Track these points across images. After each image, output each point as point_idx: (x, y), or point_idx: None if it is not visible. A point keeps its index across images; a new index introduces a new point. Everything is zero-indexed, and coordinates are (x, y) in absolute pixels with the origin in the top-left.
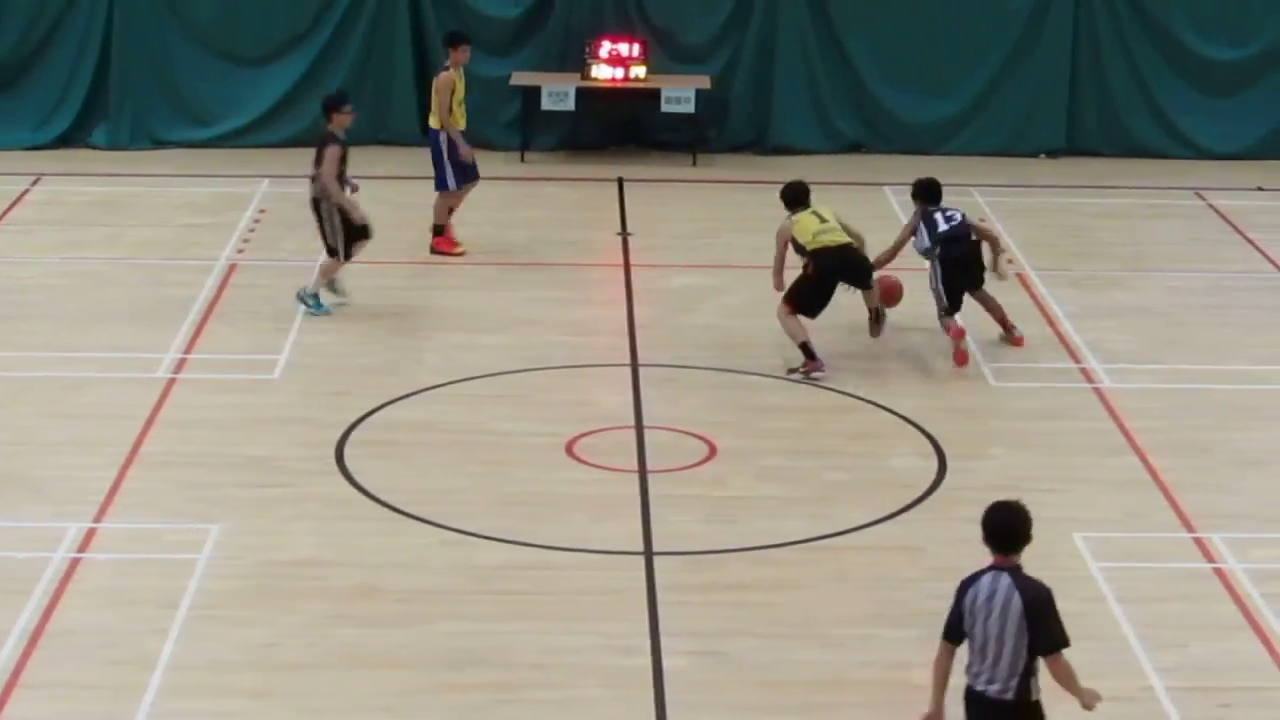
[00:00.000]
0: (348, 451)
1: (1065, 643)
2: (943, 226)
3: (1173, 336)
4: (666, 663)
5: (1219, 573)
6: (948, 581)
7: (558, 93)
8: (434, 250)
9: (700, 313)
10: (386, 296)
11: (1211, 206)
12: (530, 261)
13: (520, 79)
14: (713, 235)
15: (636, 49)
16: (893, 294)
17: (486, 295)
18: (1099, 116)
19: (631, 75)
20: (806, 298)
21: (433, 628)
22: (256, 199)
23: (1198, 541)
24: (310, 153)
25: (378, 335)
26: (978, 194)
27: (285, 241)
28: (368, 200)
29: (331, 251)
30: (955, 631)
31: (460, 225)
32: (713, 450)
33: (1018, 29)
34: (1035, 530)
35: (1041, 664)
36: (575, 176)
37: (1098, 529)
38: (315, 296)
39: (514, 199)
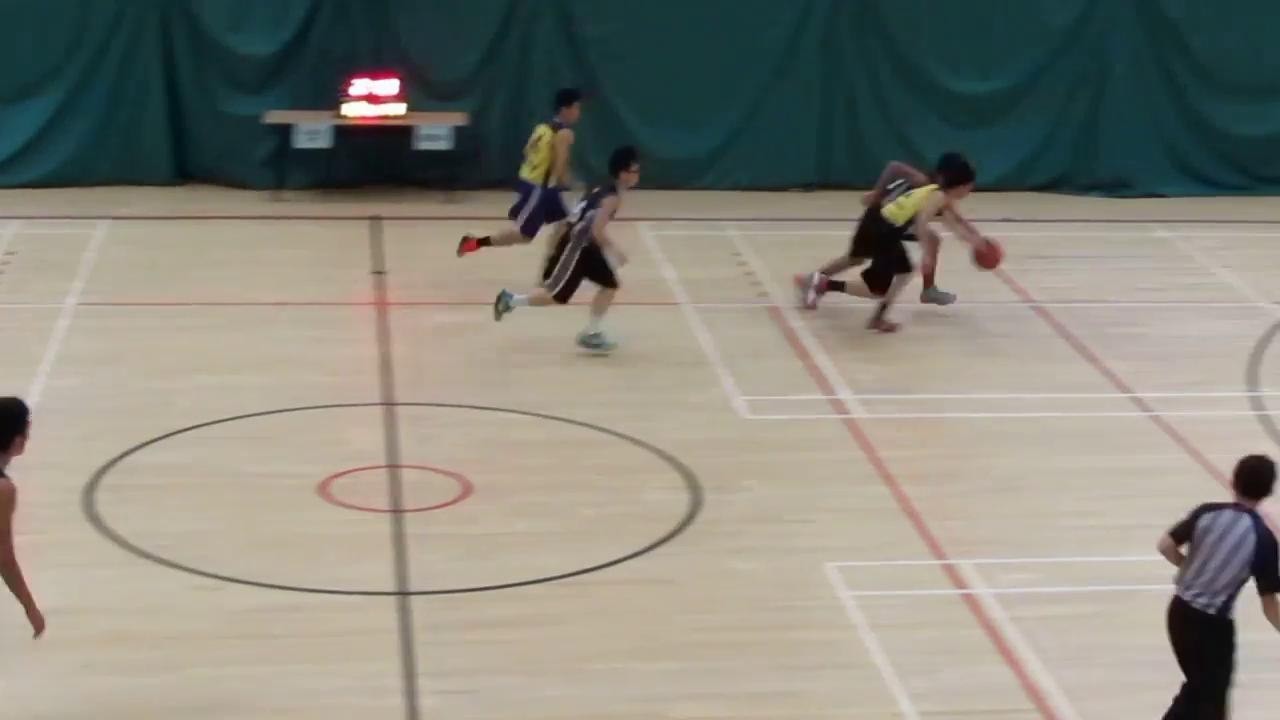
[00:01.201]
0: (96, 497)
1: None
2: None
3: (922, 367)
4: (421, 703)
5: (968, 598)
6: (703, 614)
7: (312, 130)
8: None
9: (456, 350)
10: (137, 338)
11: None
12: (283, 301)
13: (274, 117)
14: (469, 272)
15: (392, 86)
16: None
17: (238, 336)
18: (850, 150)
19: (387, 112)
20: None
21: (184, 673)
22: (5, 240)
23: (947, 568)
24: (56, 193)
25: (127, 377)
26: (731, 228)
27: (34, 284)
28: (114, 241)
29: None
30: (1181, 534)
31: (211, 266)
32: (467, 488)
33: (769, 64)
34: (787, 561)
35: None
36: (330, 215)
37: (849, 558)
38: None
39: (267, 238)
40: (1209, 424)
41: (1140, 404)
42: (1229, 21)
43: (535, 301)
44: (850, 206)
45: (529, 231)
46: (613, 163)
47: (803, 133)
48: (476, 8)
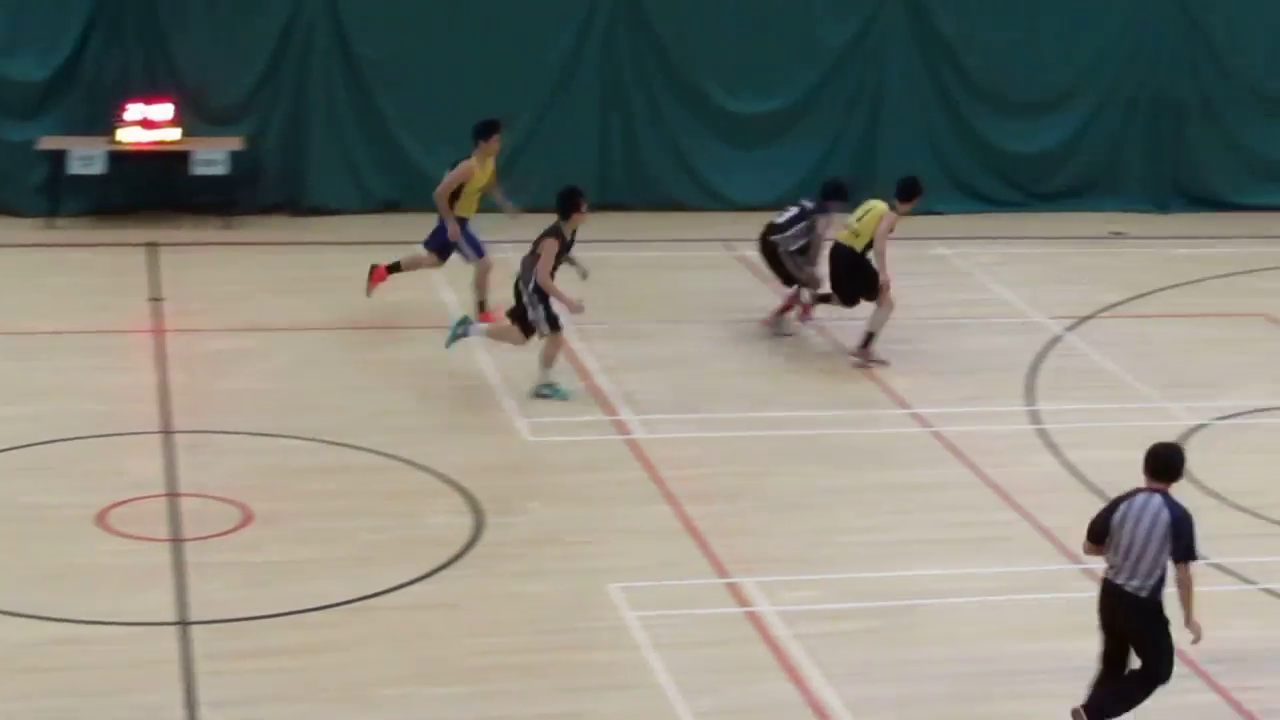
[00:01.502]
0: None
1: (1196, 557)
2: None
3: (704, 386)
4: None
5: (752, 616)
6: (488, 638)
7: (86, 156)
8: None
9: (236, 377)
10: None
11: (739, 257)
12: (59, 330)
13: (47, 143)
14: (248, 298)
15: (167, 111)
16: None
17: (12, 365)
18: (629, 170)
19: (162, 138)
20: None
21: None
22: None
23: (730, 586)
24: None
25: None
26: (511, 250)
27: None
28: None
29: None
30: (1097, 535)
31: None
32: (248, 515)
33: (547, 87)
34: (570, 582)
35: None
36: (106, 242)
37: (633, 578)
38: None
39: (41, 266)
40: (988, 438)
41: (920, 419)
42: (1002, 40)
43: (494, 335)
44: (631, 227)
45: (440, 253)
46: (561, 205)
47: (582, 154)
48: (251, 31)
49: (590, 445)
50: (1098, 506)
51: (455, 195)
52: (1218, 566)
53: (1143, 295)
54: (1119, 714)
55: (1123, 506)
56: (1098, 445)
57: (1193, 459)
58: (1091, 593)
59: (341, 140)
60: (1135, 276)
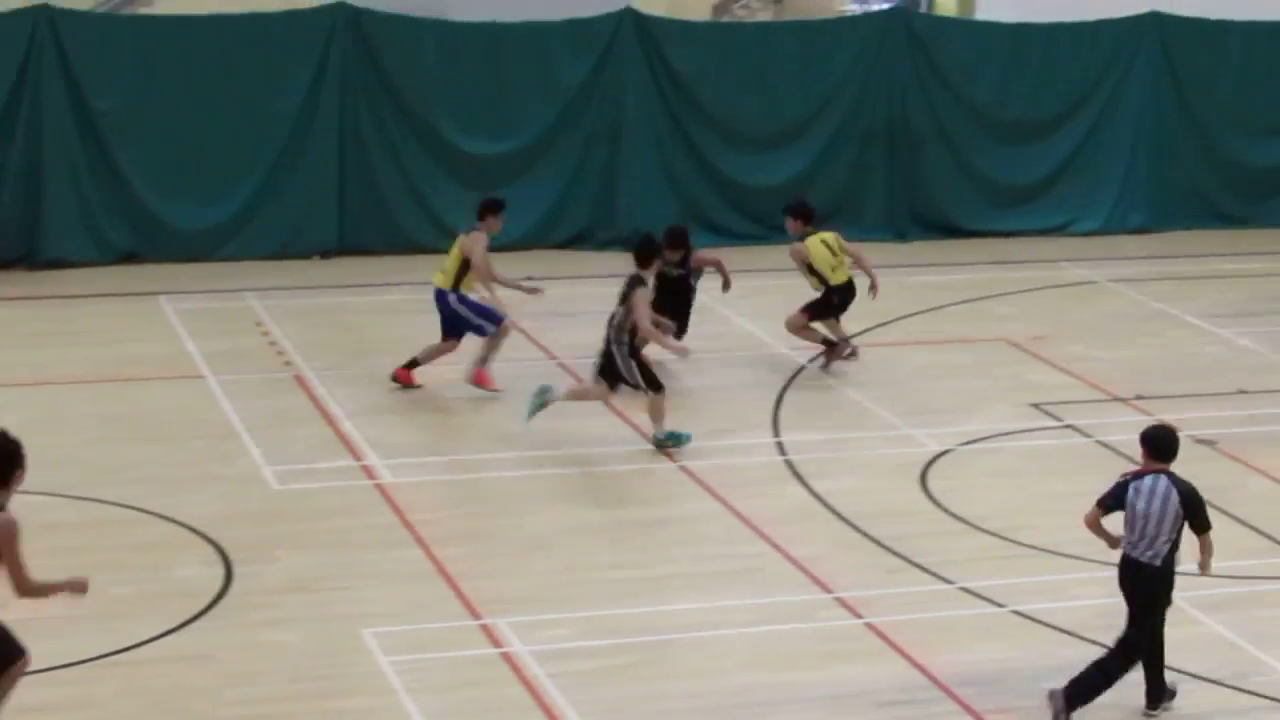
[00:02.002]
0: None
1: (1211, 525)
2: None
3: (452, 427)
4: None
5: (506, 657)
6: (243, 688)
7: None
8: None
9: None
10: None
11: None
12: None
13: None
14: None
15: None
16: None
17: None
18: (370, 215)
19: None
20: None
21: None
22: None
23: (484, 628)
24: None
25: None
26: (253, 298)
27: None
28: None
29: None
30: (1109, 505)
31: None
32: None
33: (284, 132)
34: (324, 629)
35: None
36: None
37: (386, 623)
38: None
39: None
40: (735, 471)
41: (668, 454)
42: (736, 74)
43: (576, 396)
44: (372, 271)
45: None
46: (640, 252)
47: (322, 200)
48: None
49: (338, 491)
50: (847, 535)
51: (466, 268)
52: (966, 590)
53: (884, 324)
54: (1099, 690)
55: (1132, 485)
56: (844, 474)
57: (938, 485)
58: (844, 622)
59: (77, 191)
60: (877, 305)
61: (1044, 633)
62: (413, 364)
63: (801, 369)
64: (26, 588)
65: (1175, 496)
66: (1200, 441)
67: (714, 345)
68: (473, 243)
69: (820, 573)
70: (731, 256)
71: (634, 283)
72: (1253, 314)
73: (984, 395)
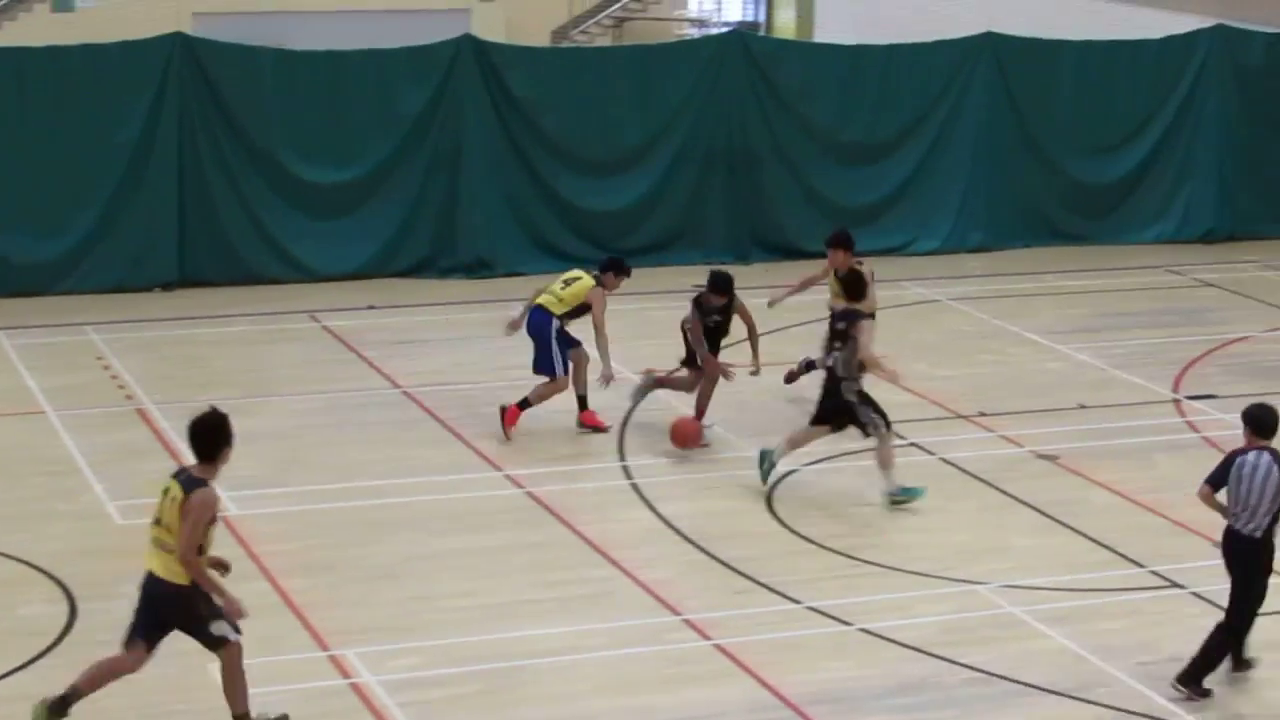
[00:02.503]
0: None
1: None
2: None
3: (297, 458)
4: None
5: (356, 687)
6: None
7: None
8: (583, 423)
9: None
10: None
11: (325, 328)
12: None
13: None
14: None
15: None
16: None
17: None
18: (211, 246)
19: None
20: None
21: None
22: None
23: (333, 659)
24: None
25: None
26: (93, 332)
27: None
28: None
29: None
30: (1217, 481)
31: None
32: None
33: (122, 164)
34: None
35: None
36: None
37: None
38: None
39: None
40: (582, 496)
41: (514, 481)
42: (576, 101)
43: (796, 444)
44: (215, 303)
45: (558, 370)
46: (848, 288)
47: (162, 232)
48: None
49: None
50: (694, 557)
51: (580, 311)
52: (814, 609)
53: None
54: (1212, 666)
55: (1238, 460)
56: (690, 497)
57: (784, 505)
58: (693, 644)
59: None
60: None
61: (891, 650)
62: (524, 404)
63: (647, 393)
64: (189, 559)
65: (1276, 472)
66: (1042, 457)
67: None
68: (597, 298)
69: (668, 596)
70: None
71: (855, 316)
72: (1092, 330)
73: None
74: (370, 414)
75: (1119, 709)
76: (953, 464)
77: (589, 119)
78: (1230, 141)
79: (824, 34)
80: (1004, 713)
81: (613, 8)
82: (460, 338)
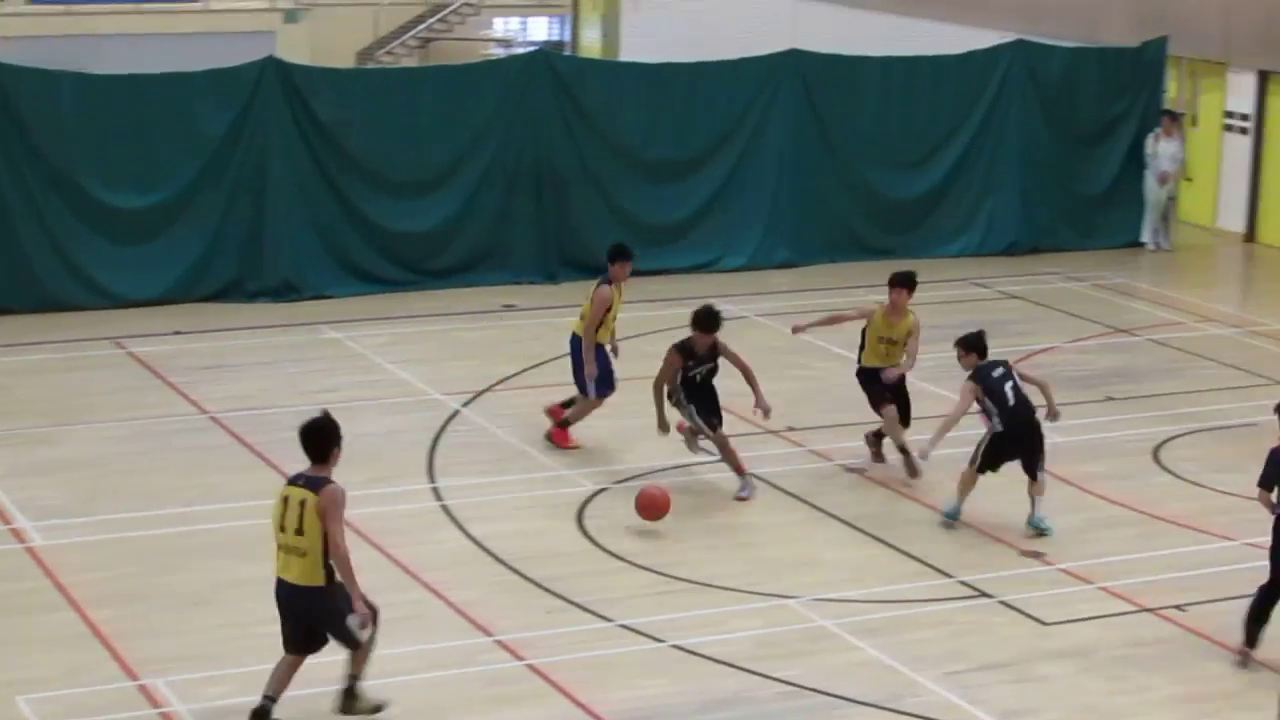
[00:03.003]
0: None
1: None
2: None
3: (104, 486)
4: None
5: (167, 717)
6: None
7: None
8: (550, 440)
9: None
10: None
11: (131, 354)
12: None
13: None
14: None
15: None
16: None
17: None
18: (11, 273)
19: None
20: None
21: None
22: None
23: (143, 688)
24: None
25: None
26: None
27: None
28: None
29: None
30: (1271, 480)
31: None
32: None
33: None
34: None
35: None
36: None
37: (41, 689)
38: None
39: None
40: (392, 518)
41: None
42: (382, 122)
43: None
44: (17, 330)
45: (582, 390)
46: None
47: None
48: None
49: None
50: (506, 578)
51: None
52: (626, 627)
53: (537, 365)
54: (1261, 620)
55: None
56: (501, 518)
57: (594, 523)
58: (506, 664)
59: None
60: (528, 348)
61: (704, 665)
62: (566, 422)
63: (456, 414)
64: (339, 553)
65: None
66: (850, 470)
67: (367, 393)
68: (598, 297)
69: (480, 617)
70: (382, 303)
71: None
72: None
73: (637, 433)
74: (177, 440)
75: (930, 719)
76: (762, 479)
77: (395, 140)
78: (1032, 155)
79: (629, 53)
80: None
81: (418, 28)
82: (268, 362)
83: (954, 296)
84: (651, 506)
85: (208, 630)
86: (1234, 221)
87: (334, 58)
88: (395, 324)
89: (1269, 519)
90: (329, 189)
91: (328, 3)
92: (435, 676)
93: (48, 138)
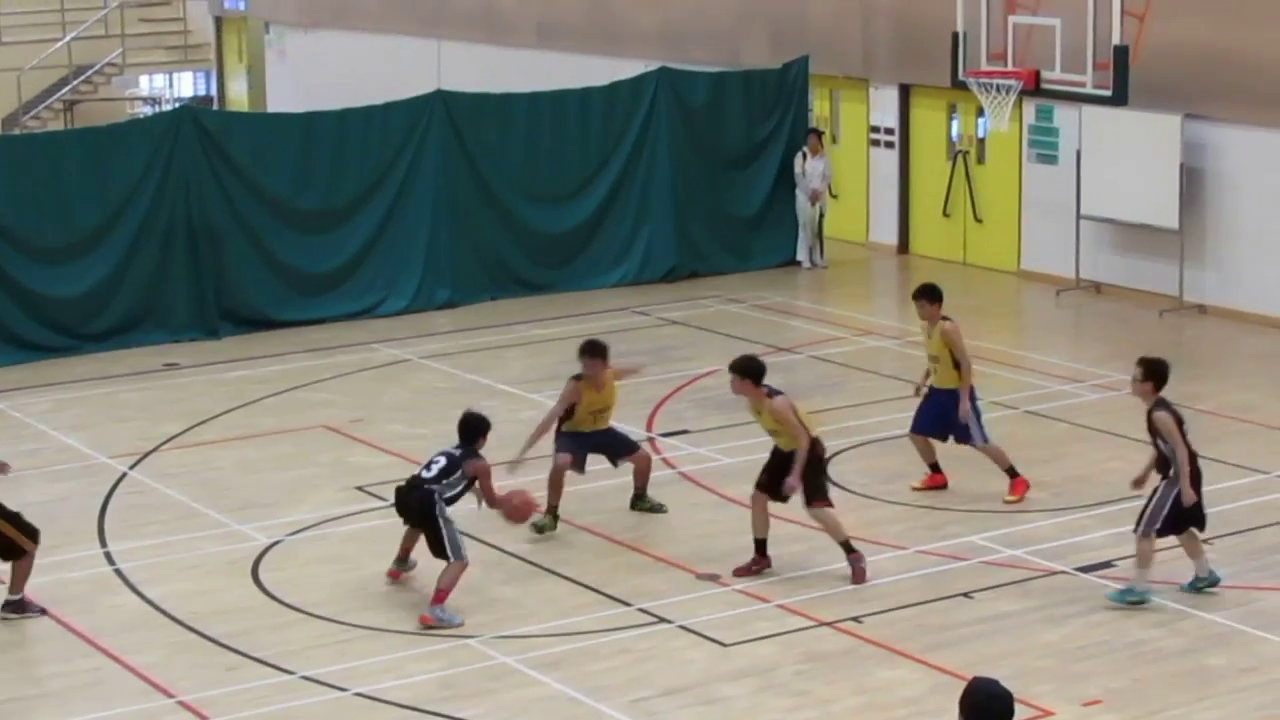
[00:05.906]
0: None
1: None
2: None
3: None
4: None
5: None
6: None
7: None
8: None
9: None
10: None
11: None
12: None
13: None
14: None
15: None
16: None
17: None
18: None
19: None
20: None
21: None
22: None
23: None
24: None
25: None
26: None
27: None
28: None
29: None
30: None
31: None
32: None
33: None
34: None
35: None
36: None
37: None
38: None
39: None
40: (65, 585)
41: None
42: (28, 188)
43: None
44: None
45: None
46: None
47: None
48: None
49: None
50: (184, 638)
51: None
52: (308, 678)
53: (203, 422)
54: None
55: None
56: (176, 578)
57: (270, 576)
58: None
59: None
60: (193, 405)
61: (389, 711)
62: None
63: (124, 476)
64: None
65: None
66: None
67: (33, 461)
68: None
69: (160, 679)
70: (41, 370)
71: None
72: (562, 377)
73: (309, 483)
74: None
75: None
76: None
77: (44, 204)
78: (684, 181)
79: (277, 104)
80: None
81: (62, 91)
82: None
83: (616, 326)
84: (526, 507)
85: None
86: (886, 234)
87: None
88: (56, 390)
89: (938, 526)
90: None
91: None
92: None
93: None
